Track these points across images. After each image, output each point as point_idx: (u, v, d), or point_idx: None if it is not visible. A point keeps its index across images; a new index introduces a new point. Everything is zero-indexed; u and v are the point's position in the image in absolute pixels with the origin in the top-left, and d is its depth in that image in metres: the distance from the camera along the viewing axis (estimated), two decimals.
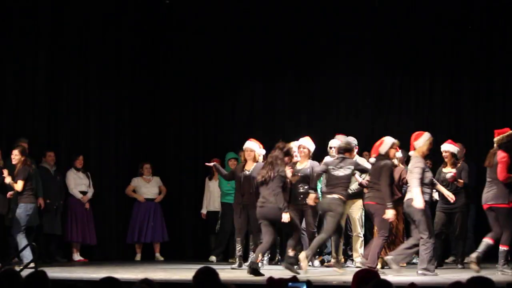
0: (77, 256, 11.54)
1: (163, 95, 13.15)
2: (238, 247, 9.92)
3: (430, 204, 8.74)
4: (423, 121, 12.09)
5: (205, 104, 13.10)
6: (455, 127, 11.91)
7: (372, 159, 8.91)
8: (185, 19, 13.04)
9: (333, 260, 9.96)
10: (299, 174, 9.53)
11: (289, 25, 12.58)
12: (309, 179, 9.53)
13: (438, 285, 7.04)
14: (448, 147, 9.76)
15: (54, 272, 8.43)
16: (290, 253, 8.63)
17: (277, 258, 10.96)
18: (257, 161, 9.78)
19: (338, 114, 12.48)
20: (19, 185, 9.87)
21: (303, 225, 10.12)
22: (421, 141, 8.54)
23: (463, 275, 7.11)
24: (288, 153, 8.75)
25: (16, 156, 9.98)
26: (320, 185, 10.39)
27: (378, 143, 8.85)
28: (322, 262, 10.48)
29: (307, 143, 9.72)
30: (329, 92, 12.60)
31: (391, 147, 8.76)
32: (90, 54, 12.27)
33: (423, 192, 8.35)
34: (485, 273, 7.91)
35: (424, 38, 12.05)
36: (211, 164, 10.18)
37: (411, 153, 8.65)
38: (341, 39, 12.36)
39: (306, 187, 9.52)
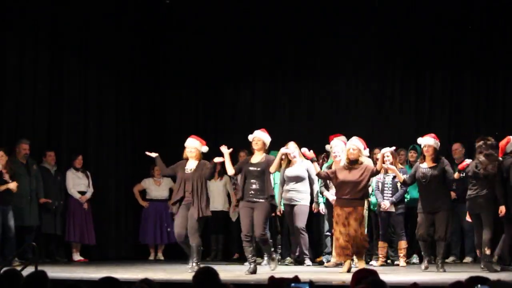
0: (77, 256, 11.54)
1: (163, 95, 13.17)
2: (189, 250, 9.12)
3: None
4: (423, 121, 12.08)
5: (205, 104, 13.12)
6: (455, 127, 11.91)
7: (499, 159, 9.06)
8: (185, 19, 13.05)
9: (333, 260, 9.95)
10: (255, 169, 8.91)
11: (289, 25, 12.59)
12: (264, 175, 8.84)
13: (440, 285, 7.03)
14: (428, 141, 9.13)
15: (54, 272, 8.42)
16: (487, 251, 8.66)
17: (277, 258, 10.94)
18: (200, 159, 9.25)
19: (338, 114, 12.47)
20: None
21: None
22: None
23: (463, 275, 7.10)
24: (493, 146, 9.04)
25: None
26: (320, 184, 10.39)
27: (504, 141, 9.07)
28: (322, 263, 10.48)
29: (261, 135, 9.01)
30: (329, 92, 12.60)
31: None
32: (90, 54, 12.28)
33: None
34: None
35: (424, 38, 12.04)
36: (154, 155, 9.47)
37: None
38: (341, 39, 12.36)
39: (259, 183, 8.84)
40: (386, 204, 10.10)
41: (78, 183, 11.65)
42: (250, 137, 9.07)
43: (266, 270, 9.32)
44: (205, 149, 9.38)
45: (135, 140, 12.88)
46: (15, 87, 11.30)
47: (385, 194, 10.16)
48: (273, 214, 10.78)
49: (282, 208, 10.49)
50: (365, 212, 9.89)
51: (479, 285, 3.63)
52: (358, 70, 12.41)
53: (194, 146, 9.26)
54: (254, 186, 8.86)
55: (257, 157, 8.98)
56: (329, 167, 9.87)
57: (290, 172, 10.18)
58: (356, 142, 9.01)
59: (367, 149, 9.19)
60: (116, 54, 12.52)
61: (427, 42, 12.05)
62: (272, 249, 9.37)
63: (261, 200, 8.82)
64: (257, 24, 12.70)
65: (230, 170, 9.13)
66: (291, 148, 9.96)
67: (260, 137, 8.99)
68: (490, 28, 11.78)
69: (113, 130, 12.63)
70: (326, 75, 12.56)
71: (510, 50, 11.60)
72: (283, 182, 10.35)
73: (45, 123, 11.70)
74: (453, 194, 10.78)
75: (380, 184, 10.23)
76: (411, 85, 12.25)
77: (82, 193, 11.65)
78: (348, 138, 10.19)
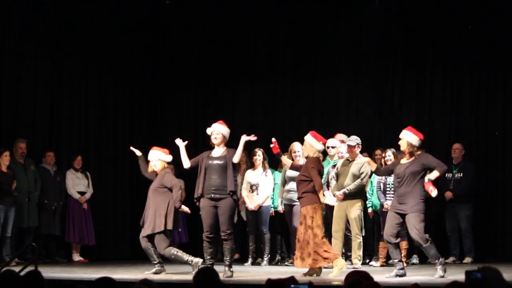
0: (77, 257, 11.53)
1: (163, 96, 13.18)
2: (151, 252, 8.91)
3: None
4: (423, 121, 12.07)
5: (205, 104, 13.11)
6: (455, 128, 11.89)
7: None
8: (185, 19, 13.05)
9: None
10: (215, 163, 8.50)
11: (289, 25, 12.60)
12: (226, 169, 8.41)
13: (441, 286, 6.99)
14: (401, 134, 8.40)
15: (54, 272, 8.46)
16: None
17: (277, 258, 10.94)
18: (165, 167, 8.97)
19: (338, 114, 12.47)
20: None
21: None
22: None
23: (461, 275, 7.08)
24: None
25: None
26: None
27: None
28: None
29: (220, 128, 8.64)
30: (329, 92, 12.59)
31: None
32: (90, 54, 12.28)
33: None
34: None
35: (424, 38, 12.03)
36: (138, 153, 9.24)
37: None
38: (341, 39, 12.36)
39: (221, 178, 8.41)
40: (388, 205, 10.07)
41: (77, 184, 11.64)
42: (208, 131, 8.70)
43: (266, 270, 9.31)
44: (169, 158, 9.07)
45: (135, 140, 12.86)
46: (15, 86, 11.31)
47: (387, 194, 10.14)
48: (273, 214, 10.81)
49: (282, 208, 10.48)
50: (360, 213, 9.83)
51: (474, 273, 3.90)
52: (358, 70, 12.40)
53: (157, 158, 8.96)
54: (215, 182, 8.41)
55: (218, 150, 8.59)
56: (334, 166, 9.94)
57: (291, 172, 10.15)
58: (306, 138, 8.63)
59: (320, 143, 8.65)
60: (116, 54, 12.53)
61: (427, 42, 12.03)
62: (229, 258, 8.47)
63: (224, 197, 8.39)
64: (257, 25, 12.72)
65: (186, 163, 8.67)
66: (297, 148, 9.92)
67: (219, 130, 8.63)
68: (490, 28, 11.77)
69: (113, 130, 12.62)
70: (326, 75, 12.55)
71: (510, 50, 11.58)
72: (284, 182, 10.35)
73: (45, 123, 11.70)
74: (450, 194, 10.81)
75: (382, 185, 10.21)
76: (411, 85, 12.24)
77: (82, 193, 11.64)
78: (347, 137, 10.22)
